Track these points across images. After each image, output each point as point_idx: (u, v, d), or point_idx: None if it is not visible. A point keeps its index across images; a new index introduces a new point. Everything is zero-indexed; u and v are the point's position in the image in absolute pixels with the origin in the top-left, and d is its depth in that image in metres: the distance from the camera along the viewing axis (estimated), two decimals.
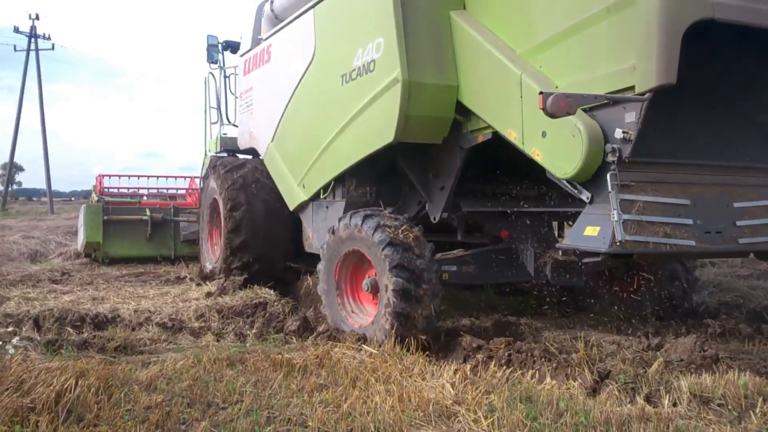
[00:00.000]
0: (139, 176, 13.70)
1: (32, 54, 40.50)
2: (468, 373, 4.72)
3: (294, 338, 6.04)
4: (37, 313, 6.49)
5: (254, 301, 7.06)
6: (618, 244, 3.95)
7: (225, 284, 7.95)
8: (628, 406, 4.06)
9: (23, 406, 3.70)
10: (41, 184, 39.68)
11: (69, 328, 6.25)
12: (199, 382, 4.54)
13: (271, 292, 7.56)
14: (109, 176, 13.16)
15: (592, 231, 4.16)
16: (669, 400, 4.13)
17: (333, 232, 6.07)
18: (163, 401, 4.08)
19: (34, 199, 76.00)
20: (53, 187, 42.33)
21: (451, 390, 4.29)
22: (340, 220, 6.04)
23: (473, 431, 3.66)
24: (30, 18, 41.48)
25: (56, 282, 9.23)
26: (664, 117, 4.36)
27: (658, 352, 5.27)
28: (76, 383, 4.17)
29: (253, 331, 6.33)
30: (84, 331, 6.31)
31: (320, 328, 6.06)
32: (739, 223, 4.47)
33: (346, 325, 5.85)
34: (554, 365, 4.87)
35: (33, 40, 40.96)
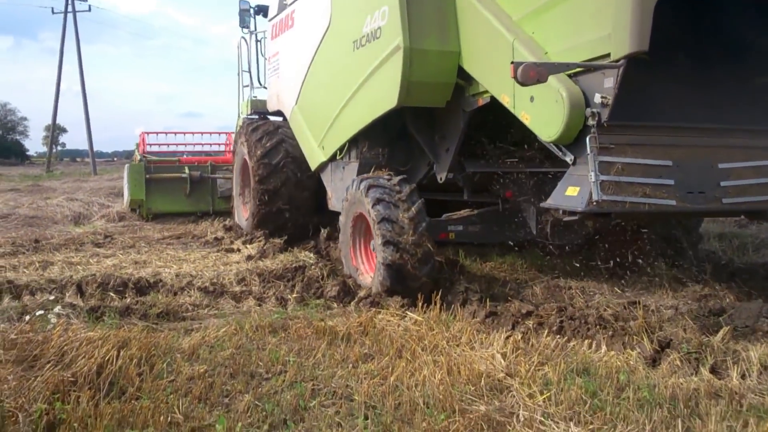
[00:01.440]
0: (176, 133, 14.54)
1: (70, 16, 40.82)
2: (519, 341, 4.48)
3: (335, 303, 5.85)
4: (80, 279, 6.41)
5: (294, 265, 6.88)
6: (594, 203, 4.03)
7: (265, 247, 7.84)
8: (694, 379, 3.79)
9: (64, 380, 3.60)
10: (84, 145, 40.08)
11: (112, 294, 6.15)
12: (241, 350, 4.43)
13: (311, 255, 7.41)
14: (151, 133, 13.91)
15: (572, 191, 4.26)
16: (737, 372, 3.85)
17: (341, 226, 6.50)
18: (206, 372, 3.96)
19: (78, 159, 77.32)
20: (95, 148, 42.88)
21: (502, 361, 4.07)
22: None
23: (528, 407, 3.42)
24: None
25: (99, 245, 9.12)
26: (655, 80, 4.37)
27: (720, 318, 4.97)
28: (118, 354, 4.07)
29: (294, 295, 6.15)
30: (127, 296, 6.22)
31: (361, 294, 5.86)
32: (723, 183, 4.47)
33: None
34: (610, 333, 4.61)
35: (70, 1, 41.10)
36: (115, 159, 79.51)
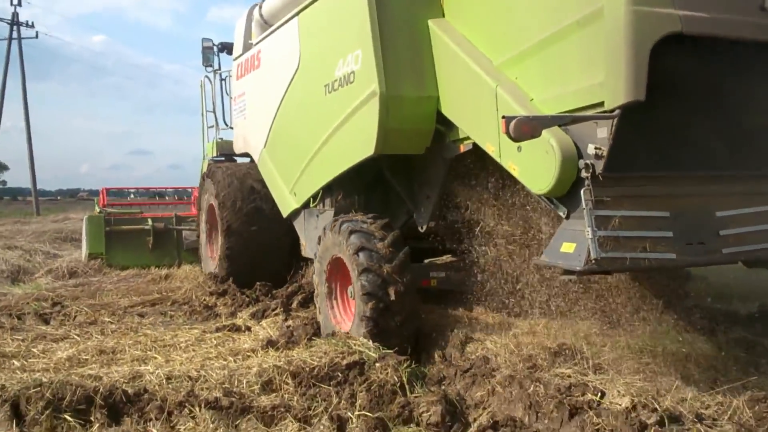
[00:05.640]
0: (137, 188, 13.75)
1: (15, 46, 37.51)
2: None
3: None
4: (17, 392, 3.78)
5: (345, 360, 4.28)
6: (593, 261, 3.64)
7: (290, 325, 5.40)
8: None
9: None
10: (26, 183, 36.76)
11: (68, 417, 3.62)
12: None
13: (369, 343, 4.73)
14: (112, 189, 13.20)
15: (568, 247, 3.86)
16: None
17: (315, 272, 5.89)
18: None
19: (20, 198, 72.21)
20: (39, 186, 39.33)
21: None
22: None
23: None
24: (12, 4, 37.65)
25: (45, 319, 6.38)
26: (643, 129, 3.96)
27: None
28: None
29: (357, 411, 4.01)
30: (93, 420, 3.97)
31: (482, 419, 3.51)
32: (723, 232, 4.13)
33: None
34: None
35: (15, 28, 37.59)
36: (59, 198, 75.45)
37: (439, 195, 5.58)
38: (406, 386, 3.95)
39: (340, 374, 4.29)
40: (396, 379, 3.98)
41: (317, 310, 5.78)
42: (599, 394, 3.88)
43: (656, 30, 3.54)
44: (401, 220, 6.10)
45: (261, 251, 7.62)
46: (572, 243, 3.84)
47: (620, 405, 3.75)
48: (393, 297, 4.87)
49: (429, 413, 3.56)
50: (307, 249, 7.06)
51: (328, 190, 6.45)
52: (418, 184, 5.84)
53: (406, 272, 5.02)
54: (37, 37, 36.46)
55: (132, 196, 13.99)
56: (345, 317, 5.49)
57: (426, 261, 5.86)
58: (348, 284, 5.37)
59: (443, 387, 4.09)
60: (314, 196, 6.59)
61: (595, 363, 4.37)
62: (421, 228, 5.78)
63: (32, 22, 36.01)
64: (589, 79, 3.76)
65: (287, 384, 4.25)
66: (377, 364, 4.25)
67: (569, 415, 3.77)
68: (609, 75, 3.59)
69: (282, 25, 6.96)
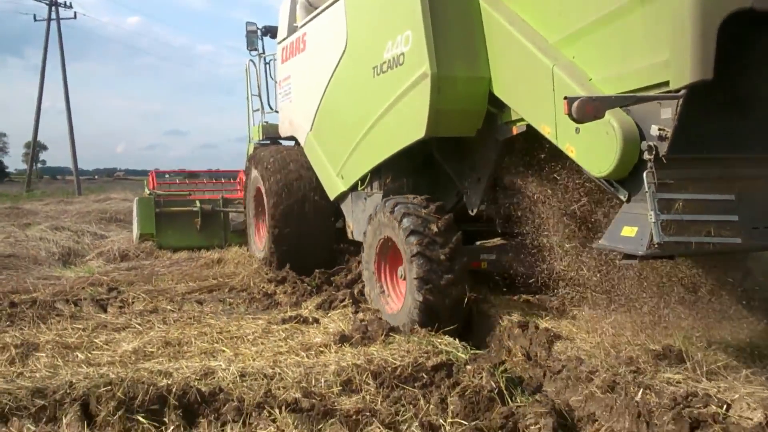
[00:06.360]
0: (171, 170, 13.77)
1: (54, 26, 37.83)
2: None
3: None
4: (86, 390, 3.55)
5: (430, 361, 3.94)
6: (656, 246, 3.51)
7: (366, 323, 4.98)
8: None
9: None
10: (65, 163, 37.16)
11: (141, 419, 3.42)
12: None
13: (456, 342, 4.38)
14: (160, 172, 13.35)
15: (629, 231, 3.78)
16: None
17: (364, 254, 5.93)
18: None
19: (59, 177, 73.52)
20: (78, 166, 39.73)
21: None
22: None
23: None
24: None
25: (103, 305, 6.15)
26: (708, 109, 3.74)
27: None
28: None
29: (450, 418, 3.71)
30: (167, 421, 3.72)
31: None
32: None
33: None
34: None
35: (54, 8, 38.00)
36: (96, 177, 76.55)
37: (490, 177, 5.44)
38: (505, 393, 3.56)
39: (425, 376, 3.94)
40: (493, 384, 3.60)
41: (365, 283, 5.95)
42: (724, 405, 3.45)
43: (724, 6, 3.35)
44: (451, 203, 5.95)
45: (308, 234, 7.54)
46: (633, 227, 3.72)
47: (751, 419, 3.33)
48: (443, 282, 4.95)
49: (538, 426, 3.17)
50: (354, 232, 6.98)
51: (377, 172, 6.31)
52: (469, 167, 5.68)
53: (459, 257, 5.07)
54: (75, 17, 36.76)
55: (167, 176, 14.19)
56: (398, 301, 5.46)
57: (476, 243, 5.82)
58: (398, 265, 5.34)
59: (547, 396, 3.70)
60: (362, 179, 6.47)
61: (709, 368, 3.94)
62: (472, 211, 5.65)
63: (70, 3, 36.31)
64: (653, 58, 3.59)
65: (368, 384, 3.92)
66: (468, 367, 3.88)
67: (690, 430, 3.35)
68: (674, 53, 3.41)
69: (328, 6, 6.82)
